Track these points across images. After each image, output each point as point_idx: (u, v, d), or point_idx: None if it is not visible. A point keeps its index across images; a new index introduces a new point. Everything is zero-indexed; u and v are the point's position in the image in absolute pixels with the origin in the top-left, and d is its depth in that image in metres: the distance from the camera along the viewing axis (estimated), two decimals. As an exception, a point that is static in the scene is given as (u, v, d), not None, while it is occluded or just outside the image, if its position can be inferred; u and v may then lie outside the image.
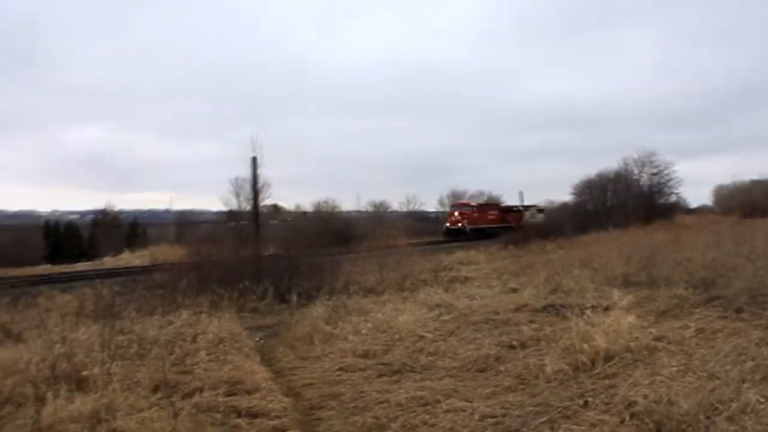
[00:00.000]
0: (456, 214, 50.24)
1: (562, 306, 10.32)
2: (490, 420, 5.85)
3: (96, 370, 6.97)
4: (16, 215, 77.79)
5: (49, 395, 6.05)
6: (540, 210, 62.76)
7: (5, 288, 16.29)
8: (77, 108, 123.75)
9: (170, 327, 10.02)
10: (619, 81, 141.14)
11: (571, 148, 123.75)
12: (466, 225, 47.86)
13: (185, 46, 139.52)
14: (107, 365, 7.22)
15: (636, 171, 51.88)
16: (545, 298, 11.66)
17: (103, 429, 5.47)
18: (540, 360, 7.51)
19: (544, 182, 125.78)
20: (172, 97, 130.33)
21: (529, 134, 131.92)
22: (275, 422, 6.12)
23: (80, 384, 6.70)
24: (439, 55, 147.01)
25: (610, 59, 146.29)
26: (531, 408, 6.06)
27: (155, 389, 6.75)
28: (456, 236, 46.12)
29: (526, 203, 61.16)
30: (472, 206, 52.23)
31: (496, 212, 54.33)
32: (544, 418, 5.66)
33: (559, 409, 5.84)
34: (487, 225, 50.27)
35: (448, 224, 49.86)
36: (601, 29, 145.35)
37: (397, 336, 9.37)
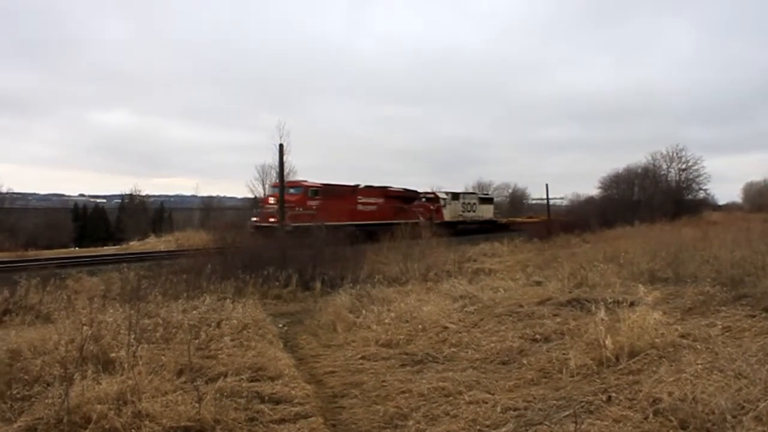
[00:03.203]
0: (272, 201, 30.93)
1: (587, 300, 10.25)
2: (512, 413, 5.84)
3: (122, 353, 7.08)
4: (46, 198, 78.95)
5: (77, 376, 6.16)
6: (486, 200, 52.64)
7: (35, 269, 16.51)
8: (105, 92, 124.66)
9: (195, 312, 10.14)
10: (649, 73, 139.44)
11: (598, 141, 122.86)
12: (288, 220, 28.58)
13: (212, 31, 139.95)
14: (133, 348, 7.32)
15: (664, 166, 51.63)
16: (570, 292, 11.58)
17: (128, 411, 5.54)
18: (564, 354, 7.47)
19: (571, 175, 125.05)
20: (200, 82, 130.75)
21: (556, 126, 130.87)
22: (298, 409, 6.18)
23: (107, 366, 6.81)
24: (467, 44, 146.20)
25: (640, 51, 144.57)
26: (554, 402, 6.04)
27: (180, 373, 6.85)
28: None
29: (456, 190, 48.03)
30: (306, 188, 32.78)
31: (373, 201, 37.14)
32: (567, 412, 5.63)
33: (582, 404, 5.81)
34: (347, 221, 32.06)
35: (255, 219, 32.41)
36: (631, 20, 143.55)
37: (420, 326, 9.38)
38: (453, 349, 8.27)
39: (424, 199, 42.75)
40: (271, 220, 29.81)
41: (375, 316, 10.25)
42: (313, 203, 32.17)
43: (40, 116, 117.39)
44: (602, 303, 9.33)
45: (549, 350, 7.85)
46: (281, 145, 24.78)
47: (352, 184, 36.73)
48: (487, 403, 6.12)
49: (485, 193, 54.35)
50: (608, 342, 7.17)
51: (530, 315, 9.97)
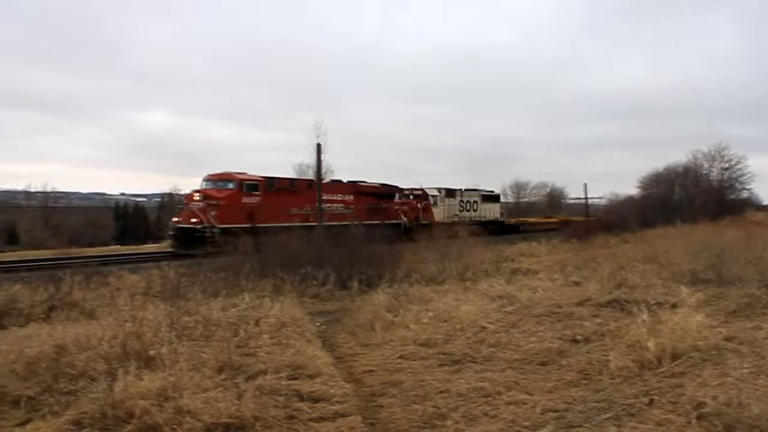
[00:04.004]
0: (197, 198, 26.78)
1: (627, 301, 10.11)
2: (551, 414, 5.79)
3: (164, 350, 7.16)
4: (88, 197, 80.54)
5: (120, 371, 6.25)
6: (490, 197, 47.37)
7: (78, 267, 16.86)
8: (146, 93, 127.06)
9: (234, 310, 10.21)
10: (688, 69, 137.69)
11: (637, 139, 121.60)
12: (213, 221, 25.45)
13: (250, 32, 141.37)
14: (174, 345, 7.43)
15: (706, 165, 50.75)
16: (609, 293, 11.42)
17: (170, 406, 5.60)
18: (604, 355, 7.37)
19: (609, 175, 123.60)
20: (238, 83, 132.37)
21: (594, 125, 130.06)
22: (336, 407, 6.19)
23: (148, 362, 6.89)
24: (503, 42, 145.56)
25: (679, 47, 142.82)
26: (594, 404, 5.97)
27: (220, 370, 6.90)
28: (187, 246, 25.45)
29: (451, 186, 42.49)
30: (240, 182, 27.81)
31: (338, 198, 32.24)
32: (608, 415, 5.57)
33: (624, 407, 5.73)
34: (301, 221, 28.04)
35: (176, 219, 27.43)
36: (671, 16, 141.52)
37: (458, 326, 9.33)
38: (491, 349, 8.21)
39: (411, 197, 38.64)
40: (193, 220, 25.76)
41: (413, 315, 10.22)
42: (249, 200, 27.60)
43: (83, 117, 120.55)
44: (643, 304, 9.22)
45: (589, 351, 7.75)
46: (319, 144, 24.70)
47: (308, 178, 31.44)
48: (526, 404, 6.08)
49: (490, 191, 48.72)
50: (650, 344, 7.07)
51: (569, 315, 9.86)
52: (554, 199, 78.40)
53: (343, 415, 6.02)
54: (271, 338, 8.54)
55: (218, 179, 27.98)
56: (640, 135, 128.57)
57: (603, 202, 60.52)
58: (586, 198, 53.64)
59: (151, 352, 7.11)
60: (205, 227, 25.42)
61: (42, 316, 11.22)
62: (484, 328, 9.25)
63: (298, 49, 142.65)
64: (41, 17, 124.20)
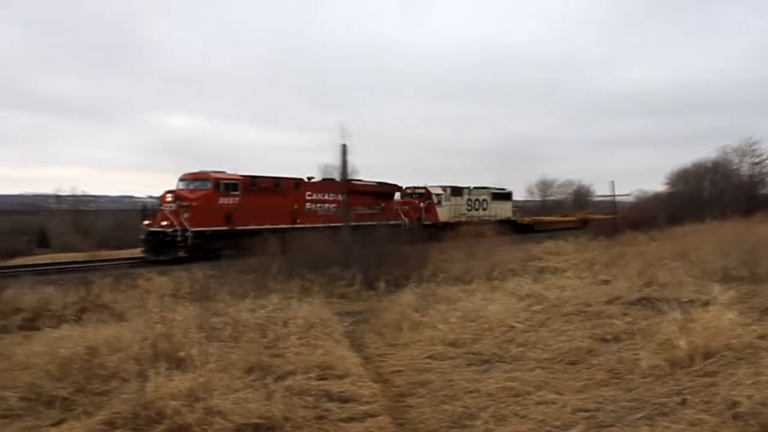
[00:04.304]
0: (169, 199, 24.90)
1: (658, 299, 10.00)
2: (582, 414, 5.75)
3: (194, 351, 7.22)
4: (117, 200, 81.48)
5: (151, 372, 6.32)
6: (501, 195, 45.06)
7: (108, 269, 17.07)
8: (173, 96, 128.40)
9: (262, 311, 10.25)
10: (716, 64, 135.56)
11: (665, 136, 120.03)
12: (186, 224, 23.58)
13: (272, 35, 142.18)
14: (204, 346, 7.49)
15: (736, 160, 49.85)
16: (639, 291, 11.27)
17: (200, 407, 5.65)
18: (634, 354, 7.31)
19: (636, 172, 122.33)
20: (263, 85, 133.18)
21: (620, 121, 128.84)
22: (365, 407, 6.21)
23: (179, 363, 6.95)
24: (528, 40, 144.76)
25: (708, 41, 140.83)
26: (625, 403, 5.91)
27: (249, 371, 6.95)
28: (157, 252, 23.89)
29: (458, 184, 40.39)
30: (216, 181, 25.57)
31: (329, 198, 30.16)
32: (640, 414, 5.51)
33: (656, 406, 5.67)
34: (288, 223, 27.06)
35: (148, 222, 25.17)
36: (698, 9, 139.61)
37: (486, 325, 9.30)
38: (520, 349, 8.17)
39: (416, 196, 37.14)
40: (164, 223, 23.98)
41: (440, 315, 10.20)
42: (227, 201, 25.68)
43: (111, 121, 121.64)
44: (674, 302, 9.11)
45: (619, 350, 7.69)
46: (344, 145, 24.64)
47: (295, 176, 29.63)
48: (556, 403, 6.04)
49: (501, 188, 45.93)
50: (682, 342, 6.98)
51: (598, 314, 9.77)
52: (581, 196, 77.69)
53: (372, 416, 6.03)
54: (299, 339, 8.57)
55: (193, 179, 25.88)
56: (668, 131, 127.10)
57: (630, 199, 59.71)
58: (613, 195, 52.71)
59: (181, 354, 7.18)
60: (177, 231, 23.61)
61: (73, 317, 11.37)
62: (512, 327, 9.20)
63: (323, 49, 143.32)
64: (67, 23, 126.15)
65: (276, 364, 7.38)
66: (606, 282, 13.50)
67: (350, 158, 25.87)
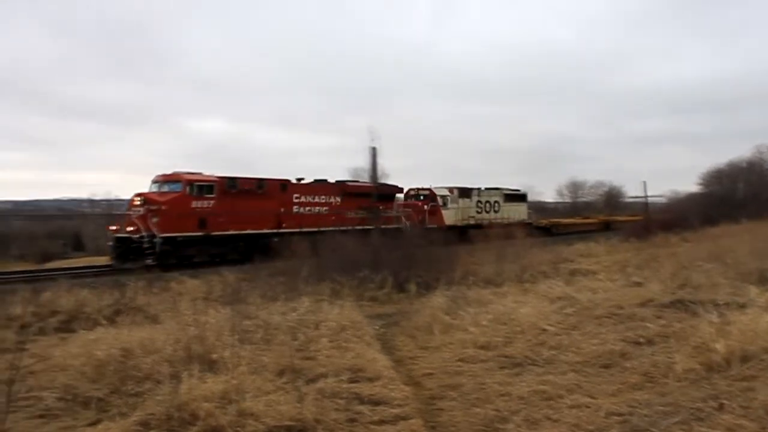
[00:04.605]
0: (137, 203, 23.35)
1: (692, 302, 9.83)
2: (616, 418, 5.68)
3: (226, 353, 7.29)
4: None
5: (184, 374, 6.40)
6: (515, 197, 42.94)
7: (141, 273, 17.30)
8: (202, 101, 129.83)
9: (293, 314, 10.33)
10: (753, 61, 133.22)
11: (698, 135, 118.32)
12: (155, 230, 22.24)
13: (300, 37, 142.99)
14: (236, 349, 7.55)
15: (772, 159, 48.86)
16: (672, 293, 11.11)
17: (233, 409, 5.70)
18: (669, 358, 7.19)
19: (669, 172, 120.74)
20: (291, 88, 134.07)
21: (652, 121, 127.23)
22: (397, 410, 6.22)
23: (211, 365, 7.03)
24: (558, 39, 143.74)
25: (743, 37, 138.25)
26: (660, 407, 5.82)
27: (281, 373, 7.00)
28: (124, 260, 22.44)
29: (466, 185, 38.67)
30: (188, 183, 24.07)
31: (321, 200, 28.96)
32: (675, 419, 5.42)
33: (691, 411, 5.56)
34: (272, 228, 26.09)
35: (114, 228, 23.71)
36: (733, 4, 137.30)
37: (518, 328, 9.24)
38: (552, 352, 8.11)
39: (421, 197, 35.48)
40: (130, 229, 22.64)
41: (471, 317, 10.16)
42: (201, 204, 23.99)
43: (140, 125, 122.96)
44: (709, 304, 8.97)
45: (653, 354, 7.58)
46: (374, 148, 24.51)
47: (281, 178, 27.87)
48: (589, 407, 5.98)
49: (515, 189, 43.90)
50: (718, 345, 6.86)
51: (631, 317, 9.64)
52: (612, 198, 76.88)
53: (404, 418, 6.03)
54: (330, 341, 8.62)
55: (165, 181, 24.31)
56: (701, 130, 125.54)
57: (662, 200, 58.87)
58: (646, 196, 52.11)
59: (214, 356, 7.26)
60: (143, 237, 22.14)
61: (108, 320, 11.54)
62: (544, 330, 9.13)
63: (349, 53, 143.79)
64: (101, 30, 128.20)
65: (307, 366, 7.43)
66: (638, 284, 13.33)
67: (380, 160, 25.87)
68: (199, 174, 24.86)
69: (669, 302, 10.38)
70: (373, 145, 25.04)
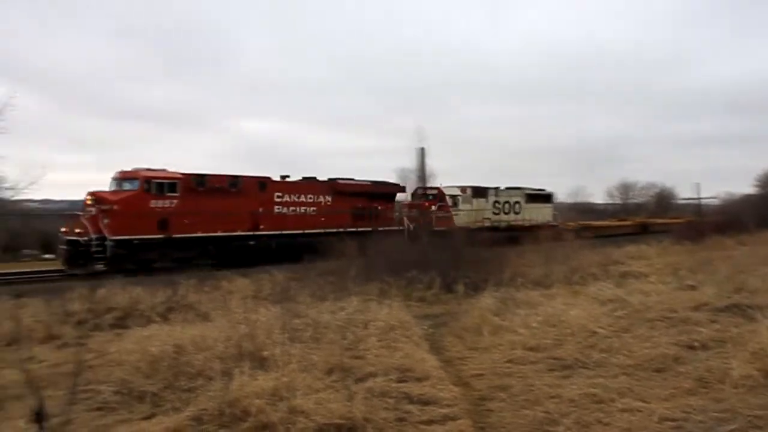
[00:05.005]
0: (89, 202, 21.83)
1: (749, 306, 9.59)
2: (669, 423, 5.58)
3: (277, 351, 7.38)
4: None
5: (236, 371, 6.53)
6: (538, 197, 39.94)
7: (193, 271, 17.59)
8: (253, 101, 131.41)
9: (342, 313, 10.36)
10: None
11: (756, 135, 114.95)
12: (106, 232, 20.72)
13: (350, 38, 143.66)
14: (286, 347, 7.64)
15: (832, 160, 47.33)
16: (728, 297, 10.86)
17: (283, 406, 5.77)
18: (724, 363, 7.03)
19: (722, 173, 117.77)
20: (342, 89, 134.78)
21: (705, 121, 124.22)
22: (446, 410, 6.21)
23: (262, 362, 7.13)
24: (607, 38, 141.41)
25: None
26: (715, 414, 5.70)
27: (330, 372, 7.06)
28: (75, 264, 21.02)
29: (483, 185, 36.33)
30: (146, 181, 22.33)
31: (308, 199, 26.96)
32: (732, 427, 5.31)
33: (749, 419, 5.45)
34: (248, 230, 24.49)
35: (64, 230, 21.84)
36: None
37: (567, 330, 9.13)
38: (603, 355, 7.99)
39: (429, 197, 32.77)
40: (78, 231, 20.92)
41: (521, 319, 10.07)
42: (161, 204, 22.16)
43: (194, 126, 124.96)
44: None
45: (707, 358, 7.42)
46: (422, 149, 24.37)
47: (261, 175, 25.83)
48: (641, 411, 5.88)
49: (539, 189, 40.58)
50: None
51: (685, 321, 9.47)
52: (663, 199, 75.45)
53: (453, 419, 6.02)
54: (379, 341, 8.63)
55: (122, 178, 22.42)
56: (756, 130, 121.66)
57: (716, 202, 57.45)
58: (699, 198, 50.82)
59: (265, 353, 7.37)
60: (91, 240, 20.47)
61: (161, 317, 11.78)
62: (594, 332, 9.01)
63: (401, 52, 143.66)
64: (155, 33, 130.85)
65: (356, 365, 7.47)
66: (692, 287, 13.06)
67: (428, 161, 25.80)
68: (162, 171, 23.12)
69: (724, 306, 10.19)
70: (422, 146, 24.88)
